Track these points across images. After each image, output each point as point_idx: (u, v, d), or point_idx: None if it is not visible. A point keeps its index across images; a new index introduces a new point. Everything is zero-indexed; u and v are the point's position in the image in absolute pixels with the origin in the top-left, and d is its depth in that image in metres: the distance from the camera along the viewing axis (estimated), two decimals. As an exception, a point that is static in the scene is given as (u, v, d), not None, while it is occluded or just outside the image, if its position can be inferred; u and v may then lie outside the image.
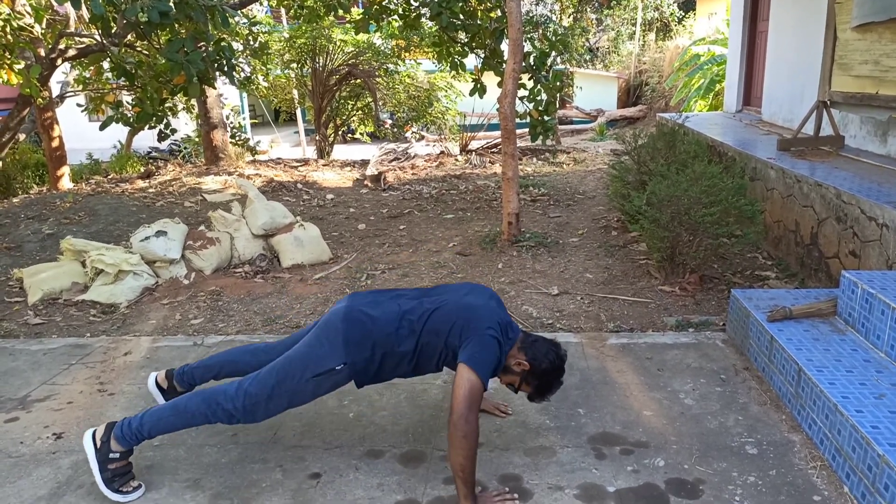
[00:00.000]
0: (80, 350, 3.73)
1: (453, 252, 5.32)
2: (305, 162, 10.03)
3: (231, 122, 11.91)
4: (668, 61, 18.23)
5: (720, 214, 4.02)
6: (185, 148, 12.86)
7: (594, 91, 19.00)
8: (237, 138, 11.26)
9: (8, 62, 5.39)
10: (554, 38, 6.39)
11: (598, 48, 24.35)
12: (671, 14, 22.65)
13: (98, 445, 2.36)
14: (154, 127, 6.06)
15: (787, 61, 6.99)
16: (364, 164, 9.61)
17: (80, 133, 13.43)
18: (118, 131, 11.44)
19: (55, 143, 7.99)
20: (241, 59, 9.67)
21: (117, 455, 2.36)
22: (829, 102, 5.29)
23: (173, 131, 6.74)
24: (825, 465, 2.45)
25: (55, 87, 11.20)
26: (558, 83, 6.40)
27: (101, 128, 5.46)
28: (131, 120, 5.73)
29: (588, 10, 22.58)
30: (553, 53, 6.48)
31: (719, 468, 2.46)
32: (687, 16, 21.89)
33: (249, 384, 2.38)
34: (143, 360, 3.56)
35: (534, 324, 3.93)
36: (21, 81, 5.45)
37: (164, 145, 12.92)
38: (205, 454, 2.66)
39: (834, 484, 2.35)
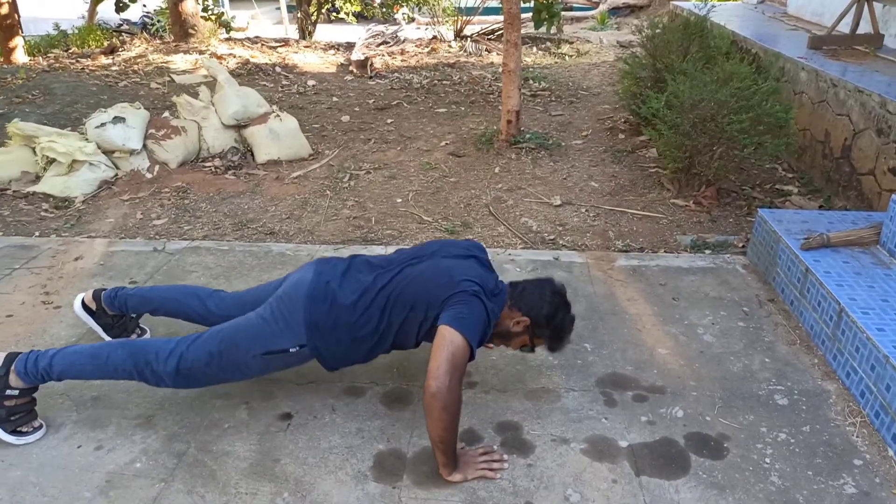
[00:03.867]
0: (26, 252, 3.31)
1: (446, 152, 4.84)
2: (285, 42, 9.21)
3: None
4: (679, -56, 16.88)
5: (750, 122, 3.56)
6: (159, 21, 11.77)
7: (598, -25, 17.68)
8: (209, 12, 10.23)
9: None
10: None
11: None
12: None
13: None
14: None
15: (824, -54, 6.25)
16: (349, 46, 8.82)
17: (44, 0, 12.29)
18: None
19: (4, 10, 7.13)
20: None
21: (16, 392, 2.00)
22: (874, -5, 4.71)
23: (133, 1, 5.96)
24: (866, 421, 2.17)
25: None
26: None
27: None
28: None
29: None
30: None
31: (746, 421, 2.17)
32: None
33: (187, 347, 2.02)
34: (95, 267, 3.16)
35: (534, 238, 3.56)
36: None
37: (137, 18, 11.81)
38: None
39: (877, 446, 2.07)
